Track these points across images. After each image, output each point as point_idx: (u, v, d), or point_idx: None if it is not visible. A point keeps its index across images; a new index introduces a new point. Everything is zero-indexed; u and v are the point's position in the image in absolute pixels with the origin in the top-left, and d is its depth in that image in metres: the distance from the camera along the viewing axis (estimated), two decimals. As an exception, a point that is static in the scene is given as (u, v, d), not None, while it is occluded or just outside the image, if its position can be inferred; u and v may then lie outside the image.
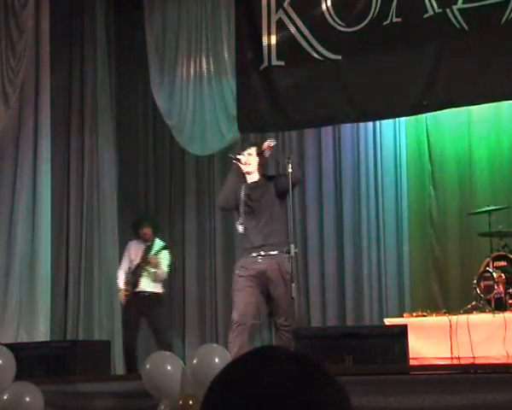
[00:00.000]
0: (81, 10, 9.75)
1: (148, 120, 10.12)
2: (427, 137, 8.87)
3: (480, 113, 8.53)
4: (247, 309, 6.15)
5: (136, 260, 8.18)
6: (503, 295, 7.27)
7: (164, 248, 8.21)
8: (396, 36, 7.98)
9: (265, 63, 8.65)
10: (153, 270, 8.05)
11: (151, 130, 10.14)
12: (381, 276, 8.91)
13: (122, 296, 8.19)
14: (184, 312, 9.66)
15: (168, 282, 9.78)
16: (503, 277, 7.33)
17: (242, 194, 6.35)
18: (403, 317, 7.57)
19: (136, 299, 8.04)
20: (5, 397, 4.04)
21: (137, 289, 8.03)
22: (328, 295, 9.07)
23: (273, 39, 8.63)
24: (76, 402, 5.07)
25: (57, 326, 9.12)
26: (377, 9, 8.05)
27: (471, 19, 7.61)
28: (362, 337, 5.77)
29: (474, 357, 6.49)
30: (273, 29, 8.64)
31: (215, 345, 4.84)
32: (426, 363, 6.58)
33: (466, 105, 8.17)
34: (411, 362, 5.80)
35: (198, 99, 9.01)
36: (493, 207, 7.67)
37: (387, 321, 7.38)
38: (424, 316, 7.41)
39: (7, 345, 5.03)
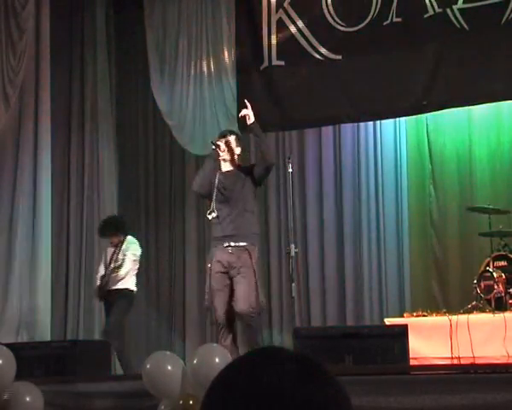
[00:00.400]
0: (81, 10, 9.76)
1: (148, 120, 10.12)
2: (428, 136, 8.87)
3: (480, 113, 8.52)
4: (225, 310, 6.10)
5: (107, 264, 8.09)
6: (503, 295, 7.27)
7: (131, 243, 7.99)
8: (396, 36, 7.98)
9: (266, 63, 8.65)
10: (117, 269, 7.90)
11: (151, 130, 10.14)
12: (381, 276, 8.91)
13: (97, 299, 8.17)
14: (184, 312, 9.66)
15: (168, 282, 9.80)
16: (504, 277, 7.33)
17: (216, 181, 6.29)
18: (403, 317, 7.57)
19: (109, 298, 7.93)
20: (5, 397, 4.04)
21: (108, 289, 7.92)
22: (329, 295, 9.07)
23: (273, 39, 8.63)
24: (76, 402, 5.07)
25: (57, 326, 9.12)
26: (377, 9, 8.06)
27: (471, 19, 7.62)
28: (362, 337, 5.76)
29: (474, 357, 6.49)
30: (273, 29, 8.64)
31: (215, 345, 4.84)
32: (426, 363, 6.58)
33: (466, 105, 8.18)
34: (411, 362, 5.79)
35: (198, 99, 9.02)
36: (493, 207, 7.67)
37: (388, 321, 7.38)
38: (424, 316, 7.40)
39: (7, 345, 5.03)
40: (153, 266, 9.99)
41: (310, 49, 8.40)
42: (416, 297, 8.59)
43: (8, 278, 8.89)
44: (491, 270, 7.36)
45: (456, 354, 6.66)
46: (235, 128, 8.80)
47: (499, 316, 6.79)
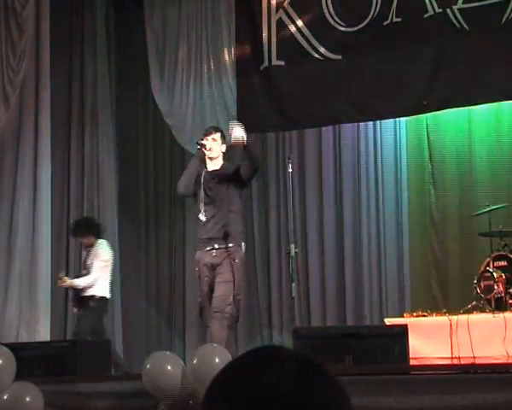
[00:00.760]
0: (81, 10, 9.75)
1: (148, 119, 10.11)
2: (428, 136, 8.86)
3: (480, 113, 8.52)
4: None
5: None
6: (503, 295, 7.27)
7: (101, 248, 7.83)
8: (396, 36, 7.98)
9: (265, 63, 8.65)
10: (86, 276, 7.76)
11: (151, 130, 10.13)
12: (381, 276, 8.91)
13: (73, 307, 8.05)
14: (184, 312, 9.65)
15: (168, 282, 9.80)
16: (504, 277, 7.33)
17: (202, 180, 6.22)
18: (403, 317, 7.57)
19: (82, 304, 7.82)
20: (5, 397, 4.04)
21: (82, 294, 7.79)
22: (328, 295, 9.06)
23: (273, 39, 8.63)
24: (76, 402, 5.06)
25: (57, 326, 9.11)
26: (377, 9, 8.06)
27: (471, 19, 7.62)
28: (362, 337, 5.76)
29: (474, 357, 6.49)
30: (273, 29, 8.64)
31: (215, 345, 4.83)
32: (426, 363, 6.57)
33: (466, 105, 8.18)
34: (411, 362, 5.79)
35: (198, 99, 9.01)
36: (493, 207, 7.67)
37: (388, 321, 7.38)
38: (424, 316, 7.40)
39: (7, 345, 5.03)
40: (153, 266, 9.99)
41: (310, 49, 8.40)
42: (415, 297, 8.59)
43: (8, 277, 8.89)
44: (491, 270, 7.36)
45: (456, 354, 6.67)
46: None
47: (499, 316, 6.79)
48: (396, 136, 9.01)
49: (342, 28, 8.28)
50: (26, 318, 8.74)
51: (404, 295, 8.73)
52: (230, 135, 5.98)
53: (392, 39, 7.98)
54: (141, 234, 10.08)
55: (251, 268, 9.38)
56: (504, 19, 7.50)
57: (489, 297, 7.28)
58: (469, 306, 7.28)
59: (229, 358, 4.04)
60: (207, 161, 6.30)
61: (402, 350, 5.57)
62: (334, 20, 8.31)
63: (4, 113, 8.91)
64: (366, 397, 4.34)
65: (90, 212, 9.49)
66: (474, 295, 7.37)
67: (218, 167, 6.30)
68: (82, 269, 7.92)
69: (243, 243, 6.23)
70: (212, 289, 6.10)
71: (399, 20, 7.95)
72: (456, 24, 7.69)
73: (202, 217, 6.16)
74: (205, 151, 6.23)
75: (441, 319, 7.08)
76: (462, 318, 6.88)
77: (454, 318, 6.89)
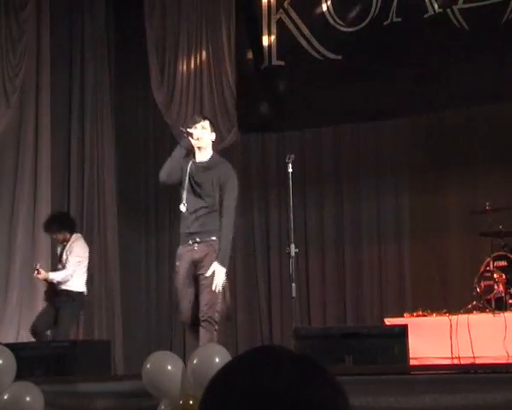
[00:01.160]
0: (81, 10, 9.75)
1: (148, 119, 10.12)
2: (428, 136, 8.86)
3: (481, 113, 8.52)
4: (191, 310, 5.87)
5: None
6: (503, 295, 7.27)
7: (75, 244, 7.78)
8: (396, 36, 7.98)
9: (265, 63, 8.66)
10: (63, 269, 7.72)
11: (151, 130, 10.14)
12: (381, 276, 8.92)
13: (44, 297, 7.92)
14: (184, 312, 9.65)
15: (169, 282, 9.79)
16: (504, 277, 7.33)
17: (188, 171, 5.95)
18: (403, 317, 7.56)
19: (55, 297, 7.77)
20: (5, 397, 4.04)
21: (58, 288, 7.74)
22: (328, 295, 9.07)
23: (273, 39, 8.63)
24: (76, 402, 5.06)
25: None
26: (377, 9, 8.06)
27: (471, 19, 7.62)
28: (362, 337, 5.75)
29: (474, 357, 6.49)
30: (273, 29, 8.64)
31: (215, 345, 4.83)
32: (426, 363, 6.57)
33: (466, 105, 8.17)
34: (411, 362, 5.79)
35: (198, 99, 9.02)
36: (494, 207, 7.67)
37: (387, 321, 7.38)
38: (424, 316, 7.40)
39: (7, 345, 5.03)
40: (153, 266, 9.99)
41: (310, 50, 8.40)
42: (416, 297, 8.59)
43: (8, 277, 8.89)
44: (491, 270, 7.36)
45: (456, 354, 6.67)
46: (235, 128, 8.84)
47: (499, 316, 6.79)
48: (396, 135, 9.01)
49: (342, 28, 8.28)
50: (26, 318, 8.73)
51: (405, 295, 8.74)
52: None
53: (392, 39, 7.99)
54: (141, 234, 10.08)
55: (251, 268, 9.39)
56: (504, 19, 7.50)
57: (489, 297, 7.28)
58: (469, 306, 7.28)
59: (229, 358, 4.04)
60: (196, 150, 6.02)
61: (402, 350, 5.57)
62: (335, 20, 8.31)
63: (4, 113, 8.91)
64: (366, 397, 4.34)
65: (90, 212, 9.49)
66: (474, 295, 7.37)
67: (207, 159, 6.01)
68: (57, 264, 7.82)
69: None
70: (192, 285, 5.86)
71: (399, 20, 7.95)
72: (456, 24, 7.70)
73: (183, 208, 5.92)
74: (192, 140, 5.96)
75: (441, 319, 7.08)
76: (463, 318, 6.88)
77: (454, 318, 6.89)
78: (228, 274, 5.98)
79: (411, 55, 7.92)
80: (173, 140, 9.36)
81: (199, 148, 6.01)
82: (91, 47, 9.71)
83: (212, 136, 6.08)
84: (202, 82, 9.04)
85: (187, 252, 5.92)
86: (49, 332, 7.82)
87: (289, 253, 6.16)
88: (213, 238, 5.85)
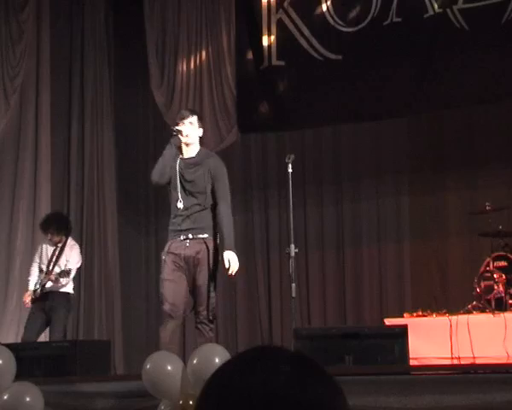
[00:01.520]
0: (81, 10, 9.76)
1: (148, 119, 10.12)
2: (428, 136, 8.87)
3: (481, 112, 8.52)
4: (177, 301, 5.77)
5: (46, 263, 7.76)
6: (503, 295, 7.27)
7: (75, 249, 7.81)
8: (396, 36, 7.98)
9: (265, 63, 8.66)
10: (65, 276, 7.64)
11: (151, 129, 10.13)
12: (381, 276, 8.92)
13: (27, 297, 7.67)
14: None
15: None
16: (503, 277, 7.33)
17: (177, 168, 5.90)
18: (403, 317, 7.57)
19: (43, 299, 7.62)
20: (5, 397, 4.04)
21: (45, 291, 7.68)
22: (328, 295, 9.07)
23: (273, 39, 8.63)
24: (76, 402, 5.06)
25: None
26: (377, 9, 8.06)
27: (471, 19, 7.62)
28: (362, 337, 5.76)
29: (474, 357, 6.49)
30: (273, 29, 8.64)
31: (215, 345, 4.83)
32: (426, 363, 6.58)
33: (466, 105, 8.17)
34: (411, 362, 5.79)
35: (198, 99, 9.02)
36: (494, 207, 7.68)
37: (387, 321, 7.38)
38: (424, 316, 7.41)
39: (7, 345, 5.03)
40: (153, 266, 9.98)
41: (310, 49, 8.40)
42: (415, 297, 8.59)
43: (8, 277, 8.89)
44: (491, 270, 7.36)
45: (456, 354, 6.67)
46: (235, 128, 8.84)
47: (499, 316, 6.79)
48: (396, 135, 9.01)
49: (342, 28, 8.28)
50: (26, 318, 8.73)
51: (405, 295, 8.74)
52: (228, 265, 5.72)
53: (392, 39, 7.99)
54: (141, 234, 10.08)
55: (251, 268, 9.39)
56: (504, 19, 7.50)
57: (489, 297, 7.28)
58: (469, 306, 7.28)
59: (229, 358, 4.04)
60: (183, 147, 5.96)
61: (402, 350, 5.57)
62: (335, 20, 8.31)
63: (4, 113, 8.91)
64: (366, 397, 4.34)
65: (90, 211, 9.50)
66: (474, 295, 7.37)
67: (194, 154, 5.95)
68: (51, 265, 7.71)
69: (218, 234, 5.90)
70: (180, 279, 5.78)
71: (399, 20, 7.95)
72: (457, 24, 7.70)
73: (180, 204, 5.90)
74: (181, 138, 5.89)
75: (441, 319, 7.09)
76: (462, 318, 6.89)
77: (454, 318, 6.89)
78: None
79: (411, 55, 7.92)
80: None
81: (186, 144, 5.95)
82: (91, 47, 9.71)
83: (200, 131, 6.00)
84: (202, 82, 9.04)
85: (177, 247, 5.85)
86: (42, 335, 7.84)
87: (289, 253, 6.16)
88: (206, 235, 5.80)
